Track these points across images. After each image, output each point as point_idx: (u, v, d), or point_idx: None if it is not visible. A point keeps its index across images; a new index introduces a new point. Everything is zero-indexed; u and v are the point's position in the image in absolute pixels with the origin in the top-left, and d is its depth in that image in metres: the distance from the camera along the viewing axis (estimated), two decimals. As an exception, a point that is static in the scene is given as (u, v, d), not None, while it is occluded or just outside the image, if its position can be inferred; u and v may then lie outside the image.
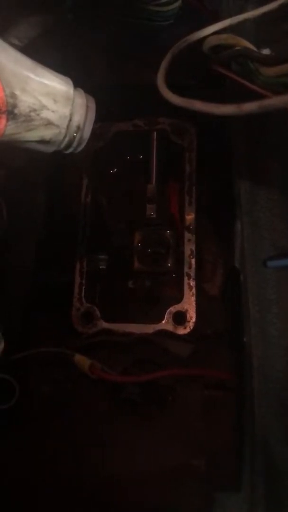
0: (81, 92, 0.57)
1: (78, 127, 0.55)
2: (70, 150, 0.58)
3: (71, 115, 0.55)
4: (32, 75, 0.51)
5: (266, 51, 0.57)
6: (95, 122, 0.57)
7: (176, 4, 0.69)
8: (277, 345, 0.52)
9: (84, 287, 0.71)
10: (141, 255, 0.73)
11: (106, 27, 0.73)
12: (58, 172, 0.75)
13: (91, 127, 0.57)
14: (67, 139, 0.56)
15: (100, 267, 0.73)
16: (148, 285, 0.73)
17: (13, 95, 0.48)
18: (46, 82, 0.52)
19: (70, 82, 0.56)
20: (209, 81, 0.60)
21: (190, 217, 0.72)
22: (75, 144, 0.57)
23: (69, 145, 0.57)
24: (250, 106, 0.45)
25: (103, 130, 0.76)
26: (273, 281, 0.54)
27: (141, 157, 0.77)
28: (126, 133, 0.76)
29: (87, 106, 0.56)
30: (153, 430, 0.62)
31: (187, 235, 0.71)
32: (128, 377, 0.64)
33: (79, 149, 0.58)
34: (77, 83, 0.57)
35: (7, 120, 0.48)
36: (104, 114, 0.61)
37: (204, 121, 0.71)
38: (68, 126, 0.55)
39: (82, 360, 0.64)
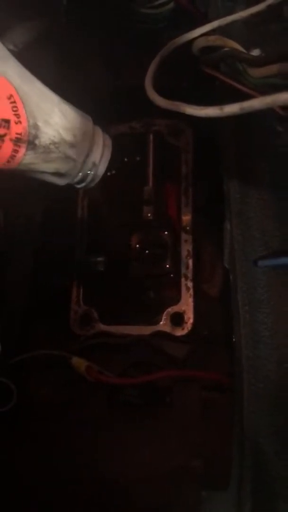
0: (99, 130, 0.59)
1: (94, 164, 0.57)
2: (83, 185, 0.60)
3: (88, 151, 0.56)
4: (56, 109, 0.52)
5: (255, 52, 0.57)
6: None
7: (168, 7, 0.69)
8: (268, 345, 0.52)
9: (82, 290, 0.72)
10: (138, 256, 0.73)
11: (100, 30, 0.74)
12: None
13: (106, 165, 0.59)
14: (81, 174, 0.57)
15: (98, 269, 0.73)
16: (145, 286, 0.73)
17: (36, 126, 0.50)
18: (68, 117, 0.54)
19: (90, 119, 0.58)
20: (199, 83, 0.60)
21: (186, 218, 0.72)
22: (88, 179, 0.59)
23: (82, 180, 0.58)
24: (231, 108, 0.45)
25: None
26: (264, 281, 0.54)
27: (137, 159, 0.77)
28: (123, 135, 0.76)
29: (104, 144, 0.59)
30: (150, 431, 0.62)
31: (184, 236, 0.71)
32: (124, 379, 0.65)
33: (91, 185, 0.60)
34: (73, 87, 0.57)
35: (26, 149, 0.50)
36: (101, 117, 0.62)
37: (199, 122, 0.72)
38: (84, 162, 0.56)
39: (79, 363, 0.64)
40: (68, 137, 0.53)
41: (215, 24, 0.57)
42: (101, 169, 0.59)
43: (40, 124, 0.50)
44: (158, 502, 0.58)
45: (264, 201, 0.56)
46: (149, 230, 0.74)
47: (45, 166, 0.53)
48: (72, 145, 0.54)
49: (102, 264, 0.73)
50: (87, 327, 0.70)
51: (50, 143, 0.51)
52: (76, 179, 0.58)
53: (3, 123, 0.46)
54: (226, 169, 0.57)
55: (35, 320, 0.70)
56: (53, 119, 0.52)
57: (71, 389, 0.65)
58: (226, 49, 0.55)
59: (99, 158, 0.58)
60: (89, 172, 0.58)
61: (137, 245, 0.74)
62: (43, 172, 0.54)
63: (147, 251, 0.73)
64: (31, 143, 0.50)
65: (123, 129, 0.77)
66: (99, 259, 0.73)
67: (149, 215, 0.74)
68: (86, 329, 0.70)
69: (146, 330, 0.69)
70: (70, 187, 0.75)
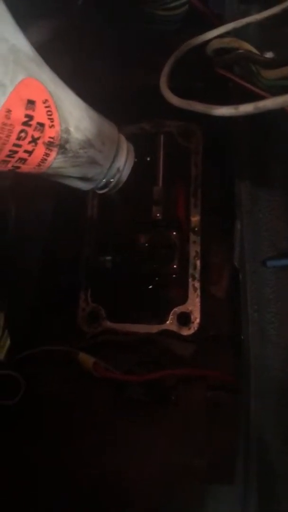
0: (122, 137, 0.61)
1: (118, 169, 0.59)
2: (105, 190, 0.61)
3: (114, 157, 0.58)
4: (85, 115, 0.54)
5: (269, 54, 0.57)
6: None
7: (183, 9, 0.69)
8: (275, 344, 0.52)
9: (90, 288, 0.72)
10: (146, 256, 0.74)
11: (113, 31, 0.74)
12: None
13: (129, 171, 0.61)
14: (105, 179, 0.59)
15: (106, 268, 0.73)
16: (153, 286, 0.73)
17: (68, 131, 0.51)
18: (97, 123, 0.55)
19: (115, 127, 0.60)
20: (211, 84, 0.61)
21: (195, 219, 0.72)
22: (112, 185, 0.60)
23: (106, 185, 0.60)
24: (246, 108, 0.46)
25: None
26: (272, 281, 0.54)
27: (148, 159, 0.78)
28: (133, 136, 0.77)
29: (128, 151, 0.60)
30: (155, 429, 0.63)
31: (192, 237, 0.72)
32: (131, 376, 0.65)
33: (114, 190, 0.61)
34: (86, 87, 0.58)
35: (57, 153, 0.51)
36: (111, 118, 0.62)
37: (210, 124, 0.72)
38: (110, 167, 0.58)
39: (86, 359, 0.65)
40: (96, 142, 0.54)
41: (229, 26, 0.58)
42: (125, 175, 0.60)
43: (71, 129, 0.51)
44: (161, 500, 0.58)
45: (275, 202, 0.56)
46: (157, 230, 0.75)
47: (72, 171, 0.54)
48: (99, 151, 0.55)
49: (110, 263, 0.74)
50: (95, 324, 0.70)
51: (79, 148, 0.52)
52: (100, 184, 0.59)
53: (38, 127, 0.47)
54: (238, 169, 0.58)
55: (44, 316, 0.71)
56: (83, 124, 0.53)
57: (77, 385, 0.66)
58: (240, 51, 0.56)
59: (123, 164, 0.59)
60: (113, 177, 0.59)
61: (146, 245, 0.74)
62: (69, 176, 0.55)
63: (155, 251, 0.74)
64: (62, 147, 0.51)
65: (133, 129, 0.77)
66: (107, 257, 0.73)
67: (158, 215, 0.74)
68: (93, 327, 0.70)
69: (153, 328, 0.69)
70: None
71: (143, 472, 0.60)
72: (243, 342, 0.52)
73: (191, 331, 0.68)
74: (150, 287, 0.73)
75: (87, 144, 0.54)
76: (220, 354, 0.66)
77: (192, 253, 0.71)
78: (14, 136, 0.46)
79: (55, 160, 0.51)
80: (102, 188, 0.61)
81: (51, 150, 0.50)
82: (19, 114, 0.45)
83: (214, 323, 0.69)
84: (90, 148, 0.54)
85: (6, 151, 0.46)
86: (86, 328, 0.70)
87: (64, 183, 0.58)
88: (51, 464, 0.61)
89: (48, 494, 0.60)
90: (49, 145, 0.49)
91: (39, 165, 0.51)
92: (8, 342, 0.63)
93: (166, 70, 0.57)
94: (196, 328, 0.68)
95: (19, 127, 0.46)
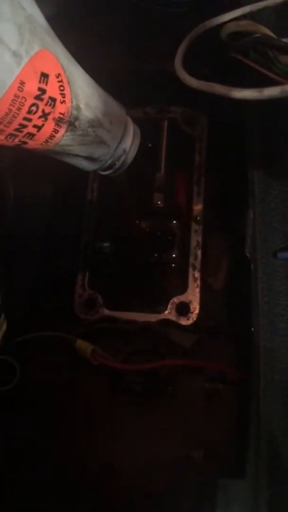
0: (130, 119, 0.60)
1: (124, 151, 0.58)
2: (109, 171, 0.60)
3: (121, 137, 0.57)
4: (96, 93, 0.52)
5: (285, 40, 0.56)
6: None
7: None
8: (284, 337, 0.51)
9: (87, 274, 0.71)
10: (146, 244, 0.73)
11: (122, 11, 0.72)
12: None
13: (135, 153, 0.59)
14: (111, 160, 0.57)
15: (104, 254, 0.72)
16: (152, 274, 0.72)
17: (78, 108, 0.49)
18: (106, 102, 0.54)
19: (124, 108, 0.58)
20: (225, 69, 0.59)
21: (198, 208, 0.71)
22: (117, 166, 0.59)
23: (111, 166, 0.58)
24: (272, 91, 0.44)
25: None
26: (283, 273, 0.53)
27: (150, 145, 0.76)
28: (137, 121, 0.75)
29: (134, 133, 0.59)
30: (152, 420, 0.62)
31: (194, 226, 0.70)
32: (129, 365, 0.64)
33: (118, 172, 0.60)
34: (92, 68, 0.56)
35: (66, 130, 0.49)
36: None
37: (216, 111, 0.71)
38: (117, 148, 0.57)
39: (84, 346, 0.64)
40: (105, 121, 0.53)
41: (246, 9, 0.56)
42: (130, 157, 0.59)
43: (82, 106, 0.49)
44: (158, 491, 0.58)
45: (287, 192, 0.55)
46: (158, 218, 0.73)
47: (79, 149, 0.53)
48: (108, 130, 0.54)
49: (109, 249, 0.72)
50: (91, 311, 0.69)
51: (88, 126, 0.51)
52: (105, 165, 0.58)
53: (50, 101, 0.45)
54: (250, 158, 0.56)
55: (41, 301, 0.69)
56: (93, 102, 0.51)
57: (73, 372, 0.65)
58: (257, 35, 0.54)
59: (130, 146, 0.58)
60: (119, 159, 0.58)
61: (145, 232, 0.73)
62: (76, 155, 0.54)
63: (154, 239, 0.73)
64: (71, 124, 0.49)
65: (137, 113, 0.75)
66: (106, 243, 0.72)
67: (159, 202, 0.73)
68: (90, 314, 0.69)
69: (151, 317, 0.68)
70: (80, 172, 0.74)
71: (139, 461, 0.60)
72: (252, 334, 0.50)
73: (190, 321, 0.67)
74: (149, 275, 0.72)
75: (96, 122, 0.52)
76: (219, 345, 0.66)
77: (193, 243, 0.70)
78: (25, 110, 0.44)
79: (63, 137, 0.50)
80: (106, 169, 0.59)
81: (60, 126, 0.48)
82: (32, 87, 0.43)
83: (210, 314, 0.68)
84: (99, 127, 0.52)
85: (15, 125, 0.44)
86: (83, 315, 0.69)
87: (68, 162, 0.56)
88: (45, 452, 0.60)
89: (45, 481, 0.59)
90: (59, 121, 0.48)
91: (46, 141, 0.49)
92: (5, 326, 0.61)
93: (181, 51, 0.55)
94: (194, 319, 0.67)
95: (30, 101, 0.44)
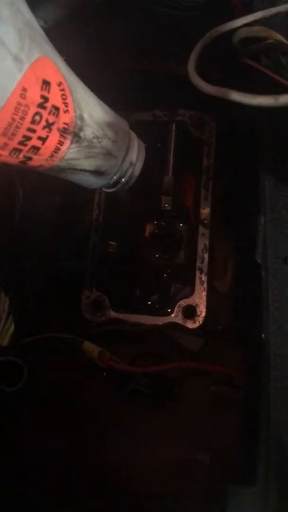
0: (133, 133, 0.59)
1: (131, 163, 0.57)
2: (118, 187, 0.59)
3: (127, 149, 0.56)
4: (98, 104, 0.52)
5: (297, 47, 0.56)
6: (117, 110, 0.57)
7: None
8: (294, 343, 0.51)
9: (94, 276, 0.71)
10: (153, 246, 0.73)
11: (132, 14, 0.72)
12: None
13: (141, 165, 0.59)
14: (118, 174, 0.57)
15: (112, 256, 0.72)
16: (159, 277, 0.72)
17: (82, 118, 0.49)
18: (108, 113, 0.54)
19: (126, 121, 0.58)
20: (236, 73, 0.59)
21: (205, 211, 0.71)
22: (125, 180, 0.58)
23: (118, 180, 0.58)
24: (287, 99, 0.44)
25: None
26: (293, 279, 0.53)
27: (159, 147, 0.76)
28: (145, 123, 0.75)
29: (139, 145, 0.59)
30: (158, 422, 0.62)
31: (201, 230, 0.71)
32: (136, 367, 0.64)
33: (126, 187, 0.59)
34: (101, 71, 0.57)
35: (71, 142, 0.49)
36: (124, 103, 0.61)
37: (225, 114, 0.71)
38: (123, 160, 0.56)
39: (91, 348, 0.64)
40: (109, 132, 0.53)
41: (258, 15, 0.56)
42: (137, 169, 0.58)
43: (85, 116, 0.49)
44: (164, 493, 0.58)
45: (298, 198, 0.55)
46: (165, 221, 0.74)
47: (86, 163, 0.52)
48: (113, 141, 0.54)
49: (116, 251, 0.72)
50: (98, 313, 0.69)
51: (93, 137, 0.51)
52: (113, 180, 0.57)
53: (53, 110, 0.45)
54: (262, 163, 0.56)
55: (48, 303, 0.70)
56: (97, 112, 0.51)
57: (80, 373, 0.65)
58: (270, 41, 0.54)
59: (136, 157, 0.58)
60: (126, 172, 0.57)
61: (153, 235, 0.73)
62: (82, 170, 0.53)
63: (162, 242, 0.73)
64: (76, 135, 0.48)
65: (146, 116, 0.76)
66: (112, 243, 0.72)
67: (166, 205, 0.73)
68: (97, 315, 0.69)
69: (158, 320, 0.68)
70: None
71: (144, 463, 0.60)
72: (263, 340, 0.50)
73: (196, 325, 0.68)
74: (156, 278, 0.72)
75: (101, 132, 0.52)
76: (226, 349, 0.66)
77: (201, 246, 0.70)
78: (28, 119, 0.43)
79: (68, 150, 0.49)
80: (113, 185, 0.59)
81: (65, 137, 0.48)
82: (34, 94, 0.43)
83: (219, 318, 0.68)
84: (104, 137, 0.52)
85: (19, 137, 0.43)
86: (90, 317, 0.69)
87: (74, 179, 0.55)
88: (51, 453, 0.60)
89: (50, 480, 0.59)
90: (64, 131, 0.47)
91: (52, 155, 0.48)
92: (12, 327, 0.62)
93: (194, 56, 0.55)
94: (201, 322, 0.68)
95: (34, 109, 0.43)
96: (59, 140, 0.47)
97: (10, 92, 0.41)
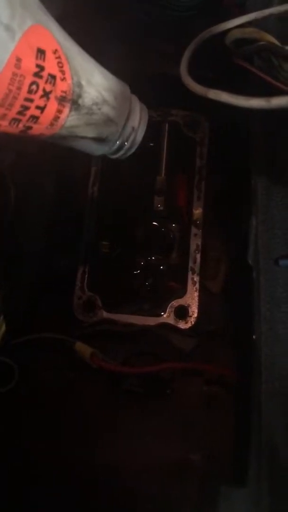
0: (135, 96, 0.58)
1: (133, 128, 0.56)
2: (120, 153, 0.58)
3: (128, 114, 0.55)
4: (96, 70, 0.51)
5: (288, 48, 0.56)
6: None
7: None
8: (285, 343, 0.51)
9: (86, 276, 0.71)
10: (145, 247, 0.73)
11: (124, 14, 0.72)
12: (67, 158, 0.74)
13: (144, 130, 0.58)
14: (120, 140, 0.56)
15: (104, 256, 0.72)
16: (151, 277, 0.72)
17: (79, 85, 0.48)
18: (108, 78, 0.53)
19: (127, 85, 0.57)
20: (229, 74, 0.59)
21: (198, 212, 0.71)
22: (127, 146, 0.57)
23: (120, 147, 0.57)
24: (280, 101, 0.44)
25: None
26: (285, 280, 0.53)
27: (151, 148, 0.76)
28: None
29: (141, 109, 0.57)
30: (151, 422, 0.62)
31: (193, 230, 0.71)
32: (128, 368, 0.64)
33: (128, 153, 0.58)
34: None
35: (70, 110, 0.48)
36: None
37: (218, 115, 0.71)
38: (124, 125, 0.55)
39: (83, 348, 0.64)
40: (109, 98, 0.52)
41: (251, 16, 0.57)
42: (139, 135, 0.57)
43: (83, 82, 0.48)
44: (157, 493, 0.58)
45: (290, 200, 0.55)
46: (158, 221, 0.74)
47: (86, 130, 0.52)
48: (113, 107, 0.53)
49: (108, 251, 0.72)
50: (90, 313, 0.69)
51: (92, 104, 0.50)
52: (115, 146, 0.56)
53: (50, 79, 0.44)
54: (254, 164, 0.56)
55: (40, 303, 0.70)
56: (95, 78, 0.50)
57: (72, 374, 0.65)
58: (262, 42, 0.54)
59: (138, 123, 0.56)
60: (128, 138, 0.56)
61: (145, 235, 0.73)
62: (84, 137, 0.52)
63: (154, 242, 0.73)
64: (75, 103, 0.48)
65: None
66: (105, 242, 0.72)
67: (159, 206, 0.73)
68: (89, 316, 0.69)
69: (149, 321, 0.68)
70: (82, 164, 0.74)
71: (137, 463, 0.60)
72: (255, 340, 0.51)
73: (188, 325, 0.68)
74: (148, 278, 0.72)
75: (100, 99, 0.51)
76: (218, 349, 0.66)
77: (193, 246, 0.70)
78: (25, 89, 0.43)
79: (68, 118, 0.48)
80: (116, 151, 0.57)
81: (63, 106, 0.47)
82: (29, 63, 0.42)
83: (210, 318, 0.68)
84: (104, 104, 0.51)
85: (17, 107, 0.43)
86: (82, 317, 0.69)
87: (77, 146, 0.54)
88: (43, 454, 0.60)
89: (43, 482, 0.59)
90: (62, 100, 0.47)
91: (51, 124, 0.48)
92: (4, 327, 0.61)
93: (186, 57, 0.55)
94: (193, 322, 0.68)
95: (30, 79, 0.43)
96: (58, 109, 0.47)
97: (4, 63, 0.41)
